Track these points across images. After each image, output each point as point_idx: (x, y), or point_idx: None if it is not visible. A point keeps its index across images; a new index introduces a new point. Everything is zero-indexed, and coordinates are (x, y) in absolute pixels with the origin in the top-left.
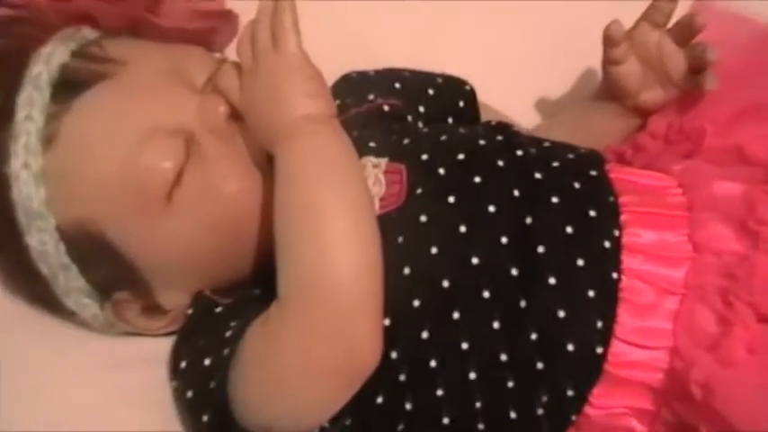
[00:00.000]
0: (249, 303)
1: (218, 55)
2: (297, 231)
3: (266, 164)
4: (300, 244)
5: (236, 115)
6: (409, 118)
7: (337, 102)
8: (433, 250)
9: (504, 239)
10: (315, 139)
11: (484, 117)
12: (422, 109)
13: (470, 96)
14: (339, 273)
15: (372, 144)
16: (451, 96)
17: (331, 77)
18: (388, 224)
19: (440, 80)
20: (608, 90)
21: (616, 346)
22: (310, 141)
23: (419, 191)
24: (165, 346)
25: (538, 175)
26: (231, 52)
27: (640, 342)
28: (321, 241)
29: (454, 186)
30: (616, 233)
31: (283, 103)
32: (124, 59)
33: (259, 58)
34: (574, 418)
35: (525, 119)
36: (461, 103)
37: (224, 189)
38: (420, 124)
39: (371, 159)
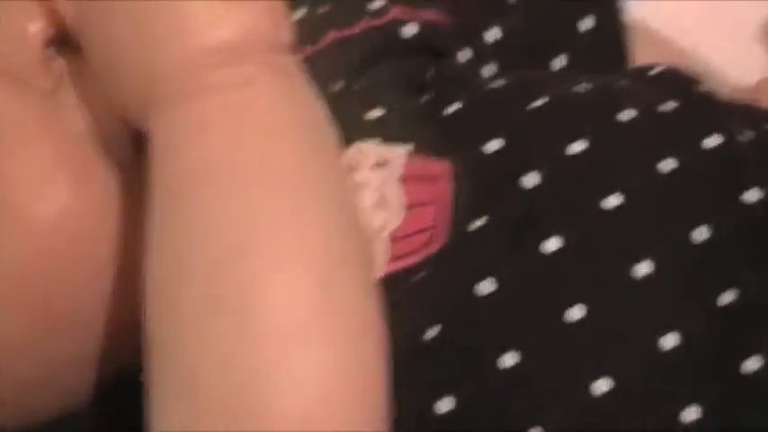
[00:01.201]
0: None
1: None
2: (193, 315)
3: (128, 155)
4: (199, 345)
5: (67, 44)
6: (464, 54)
7: (299, 14)
8: (509, 360)
9: (669, 341)
10: (240, 98)
11: (641, 57)
12: (496, 34)
13: (609, 10)
14: (285, 414)
15: (376, 113)
16: (563, 8)
17: None
18: (410, 296)
19: None
20: None
21: None
22: (230, 102)
23: (480, 222)
24: None
25: (753, 196)
26: None
27: None
28: (245, 342)
29: (561, 216)
30: None
31: (171, 20)
32: None
33: None
34: None
35: (736, 64)
36: (588, 22)
37: (31, 208)
38: (490, 69)
39: (373, 147)
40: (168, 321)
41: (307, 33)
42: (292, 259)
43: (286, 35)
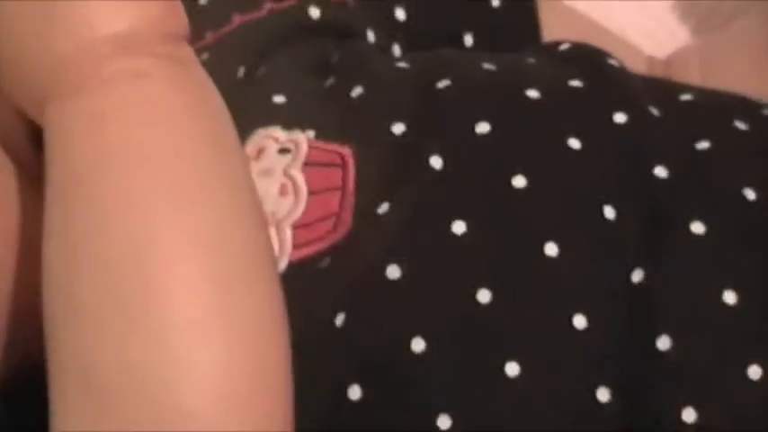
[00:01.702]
0: None
1: None
2: (92, 314)
3: (29, 152)
4: (99, 344)
5: None
6: (369, 34)
7: None
8: (417, 346)
9: (578, 321)
10: (133, 92)
11: (551, 31)
12: (400, 14)
13: None
14: (185, 412)
15: (279, 99)
16: None
17: None
18: (316, 283)
19: None
20: None
21: None
22: (124, 96)
23: (383, 207)
24: None
25: (660, 172)
26: None
27: None
28: (143, 340)
29: (466, 198)
30: None
31: (64, 13)
32: None
33: None
34: None
35: (650, 37)
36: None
37: None
38: (396, 49)
39: (276, 133)
40: (67, 320)
41: (210, 18)
42: (189, 254)
43: (181, 25)
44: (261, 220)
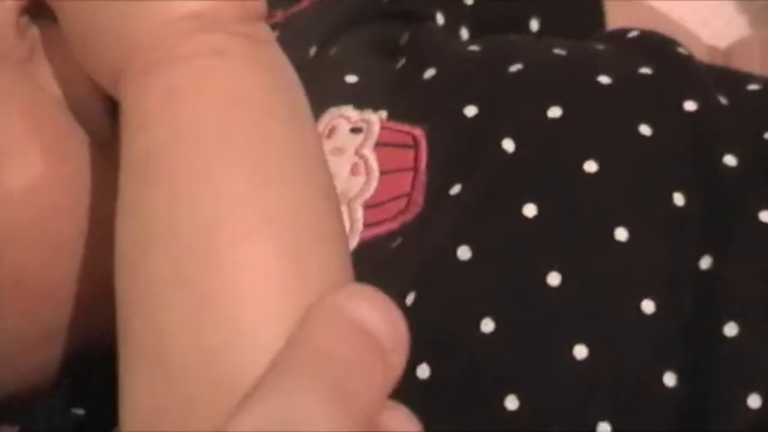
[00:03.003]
0: None
1: None
2: (161, 293)
3: (104, 125)
4: (168, 322)
5: (40, 13)
6: (439, 18)
7: None
8: (486, 327)
9: (646, 306)
10: (209, 68)
11: (613, 19)
12: None
13: None
14: (241, 384)
15: (351, 78)
16: None
17: None
18: (387, 262)
19: None
20: None
21: None
22: (200, 71)
23: (455, 189)
24: None
25: (729, 161)
26: None
27: None
28: (213, 316)
29: (537, 182)
30: None
31: None
32: None
33: None
34: None
35: (709, 26)
36: None
37: (2, 179)
38: (464, 33)
39: (348, 112)
40: (138, 294)
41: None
42: (259, 231)
43: (259, 5)
44: (334, 199)
